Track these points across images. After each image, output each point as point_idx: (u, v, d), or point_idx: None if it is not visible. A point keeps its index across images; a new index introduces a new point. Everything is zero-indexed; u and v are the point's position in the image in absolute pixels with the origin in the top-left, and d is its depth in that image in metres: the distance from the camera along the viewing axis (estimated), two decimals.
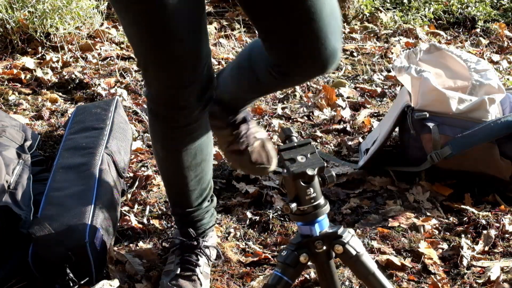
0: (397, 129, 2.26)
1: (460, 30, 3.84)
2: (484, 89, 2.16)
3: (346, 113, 2.70)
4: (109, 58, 3.31)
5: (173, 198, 1.76)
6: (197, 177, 1.67)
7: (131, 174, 2.25)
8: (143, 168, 2.29)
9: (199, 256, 1.71)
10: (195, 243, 1.71)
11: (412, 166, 2.18)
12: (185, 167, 1.63)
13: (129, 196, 2.13)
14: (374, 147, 2.22)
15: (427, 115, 2.10)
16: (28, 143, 2.25)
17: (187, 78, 1.44)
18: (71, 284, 1.67)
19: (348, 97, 2.88)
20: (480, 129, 2.05)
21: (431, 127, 2.08)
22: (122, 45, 3.49)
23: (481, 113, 2.08)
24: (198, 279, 1.67)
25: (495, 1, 4.13)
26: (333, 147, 2.46)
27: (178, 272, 1.67)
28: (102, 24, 3.60)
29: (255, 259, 1.85)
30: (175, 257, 1.72)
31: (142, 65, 1.45)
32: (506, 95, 2.22)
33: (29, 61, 3.22)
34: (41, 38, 3.33)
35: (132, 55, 3.34)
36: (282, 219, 2.02)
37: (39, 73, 3.11)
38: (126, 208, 2.07)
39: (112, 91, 2.91)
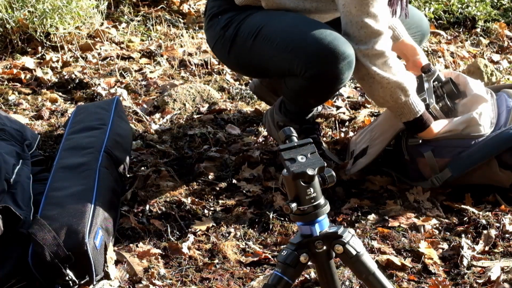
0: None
1: (460, 30, 3.83)
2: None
3: (346, 113, 2.70)
4: (109, 58, 3.31)
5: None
6: None
7: (131, 174, 2.25)
8: (143, 168, 2.29)
9: None
10: None
11: (412, 181, 2.17)
12: None
13: (129, 196, 2.13)
14: (365, 161, 2.18)
15: (420, 141, 2.09)
16: (28, 143, 2.24)
17: None
18: (71, 284, 1.67)
19: (348, 97, 2.87)
20: (478, 149, 2.04)
21: (424, 154, 2.07)
22: (122, 45, 3.49)
23: (474, 128, 2.08)
24: None
25: (495, 0, 4.12)
26: (333, 147, 2.45)
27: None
28: (102, 24, 3.59)
29: (255, 259, 1.84)
30: None
31: None
32: (501, 95, 2.21)
33: (29, 61, 3.22)
34: (41, 38, 3.32)
35: (132, 55, 3.34)
36: (282, 219, 2.02)
37: (39, 73, 3.10)
38: (126, 208, 2.07)
39: (112, 91, 2.91)
